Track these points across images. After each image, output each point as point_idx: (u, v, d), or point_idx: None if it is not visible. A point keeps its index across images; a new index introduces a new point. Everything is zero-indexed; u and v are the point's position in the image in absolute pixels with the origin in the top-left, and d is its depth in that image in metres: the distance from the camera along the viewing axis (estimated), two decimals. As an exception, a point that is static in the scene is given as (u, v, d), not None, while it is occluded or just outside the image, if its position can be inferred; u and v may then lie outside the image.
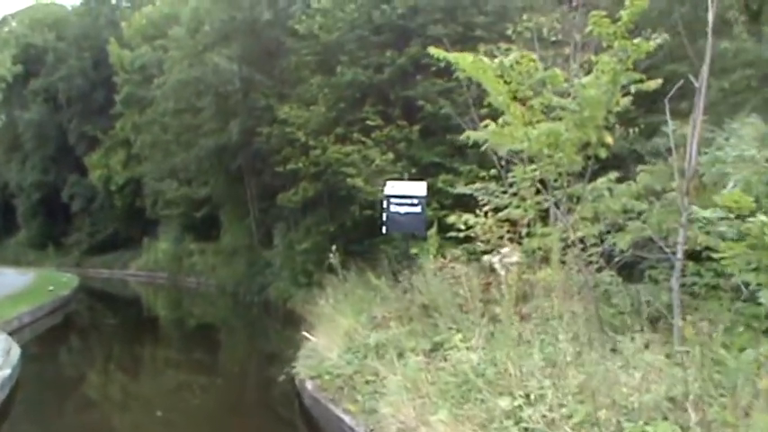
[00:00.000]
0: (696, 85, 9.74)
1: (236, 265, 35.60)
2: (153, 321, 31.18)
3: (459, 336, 9.90)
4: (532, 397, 7.38)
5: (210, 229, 42.74)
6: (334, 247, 16.32)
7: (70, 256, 59.19)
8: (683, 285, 10.45)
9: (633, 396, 6.68)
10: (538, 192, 13.94)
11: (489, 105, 12.30)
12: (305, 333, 15.47)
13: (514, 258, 11.29)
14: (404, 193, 15.61)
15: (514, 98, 11.79)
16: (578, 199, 11.98)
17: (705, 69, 9.67)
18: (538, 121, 11.71)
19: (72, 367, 19.73)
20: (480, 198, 14.65)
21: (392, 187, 15.68)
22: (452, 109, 21.29)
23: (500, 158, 14.58)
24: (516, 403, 7.35)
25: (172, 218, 46.67)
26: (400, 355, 10.15)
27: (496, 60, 11.40)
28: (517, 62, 11.49)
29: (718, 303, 11.23)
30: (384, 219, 15.75)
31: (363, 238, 23.37)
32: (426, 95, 21.65)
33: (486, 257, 12.02)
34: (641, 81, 10.84)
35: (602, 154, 11.65)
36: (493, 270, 11.99)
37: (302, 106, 23.89)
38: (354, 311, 14.81)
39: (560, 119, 11.28)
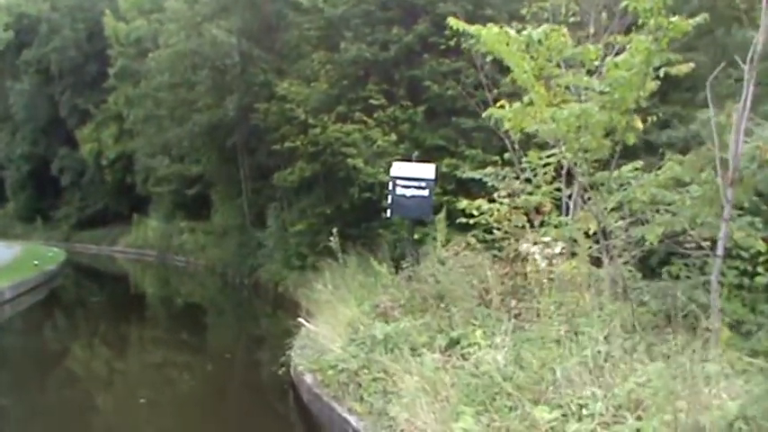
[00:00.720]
0: (746, 68, 8.81)
1: (227, 246, 34.64)
2: (140, 300, 30.12)
3: (480, 332, 8.92)
4: (574, 407, 6.38)
5: (201, 207, 41.83)
6: (334, 230, 15.32)
7: (58, 230, 58.00)
8: (703, 284, 9.64)
9: (700, 413, 5.65)
10: (553, 179, 13.14)
11: (503, 86, 11.44)
12: (301, 320, 14.45)
13: (558, 249, 10.26)
14: (411, 175, 14.63)
15: (538, 76, 10.91)
16: (599, 188, 11.02)
17: (756, 55, 8.70)
18: (563, 102, 10.86)
19: (49, 347, 18.63)
20: (490, 184, 13.78)
21: (398, 168, 14.69)
22: (459, 91, 20.36)
23: (512, 143, 13.59)
24: (555, 415, 6.35)
25: (162, 195, 45.74)
26: (412, 351, 9.18)
27: (524, 33, 10.44)
28: (546, 36, 10.56)
29: (741, 304, 10.38)
30: (389, 201, 14.77)
31: (360, 222, 22.49)
32: (433, 76, 20.66)
33: (524, 246, 10.99)
34: (671, 64, 10.02)
35: (631, 140, 10.82)
36: (516, 260, 11.00)
37: (302, 83, 22.85)
38: (355, 299, 13.81)
39: (586, 101, 10.45)
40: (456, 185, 20.24)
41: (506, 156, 14.70)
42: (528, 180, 13.22)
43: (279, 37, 26.07)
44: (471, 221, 13.42)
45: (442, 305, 11.19)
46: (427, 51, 20.87)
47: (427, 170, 14.66)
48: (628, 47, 9.83)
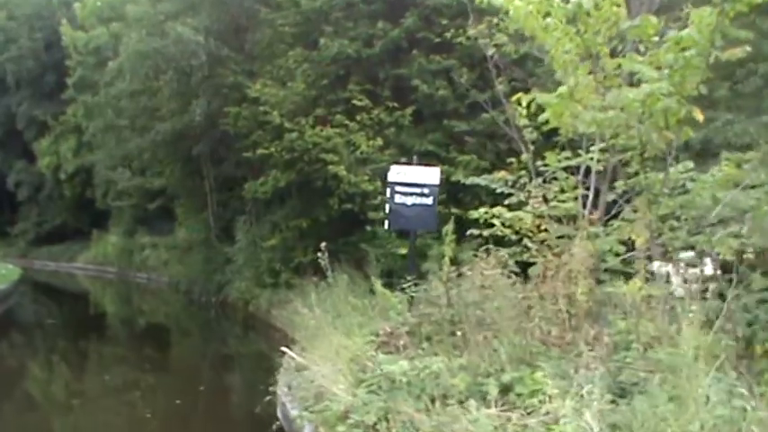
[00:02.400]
0: None
1: (192, 262, 32.56)
2: (99, 321, 27.72)
3: (540, 374, 6.69)
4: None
5: (164, 222, 39.92)
6: (323, 245, 13.02)
7: (15, 246, 55.24)
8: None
9: None
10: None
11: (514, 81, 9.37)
12: (286, 350, 12.14)
13: (710, 269, 7.98)
14: (412, 181, 12.40)
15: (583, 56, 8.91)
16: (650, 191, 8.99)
17: None
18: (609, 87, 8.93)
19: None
20: (499, 191, 11.77)
21: (397, 173, 12.46)
22: (451, 91, 18.32)
23: (526, 143, 11.84)
24: None
25: (123, 209, 43.96)
26: (444, 398, 6.96)
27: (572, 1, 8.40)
28: (596, 6, 8.52)
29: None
30: (387, 211, 12.52)
31: (339, 236, 20.29)
32: (421, 74, 18.45)
33: (656, 266, 8.73)
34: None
35: (688, 133, 8.80)
36: (558, 279, 8.78)
37: (276, 84, 20.56)
38: (350, 325, 11.57)
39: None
40: (447, 195, 18.17)
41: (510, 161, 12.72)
42: (543, 183, 11.17)
43: (249, 37, 23.76)
44: (485, 233, 11.37)
45: (454, 332, 9.04)
46: (415, 47, 18.67)
47: (430, 174, 12.46)
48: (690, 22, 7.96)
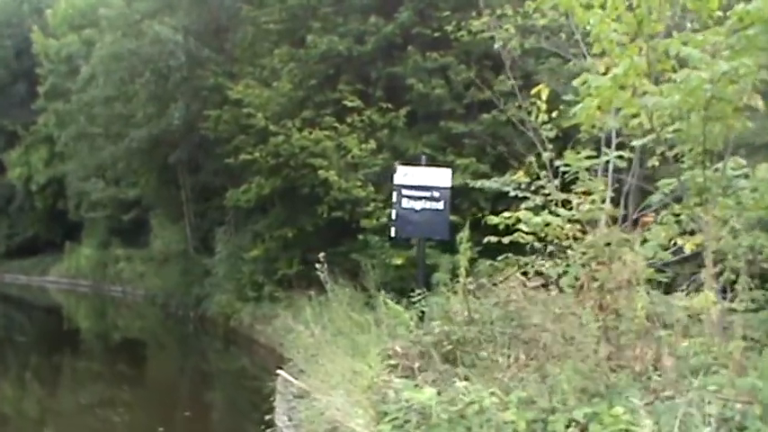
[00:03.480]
0: None
1: (168, 274, 31.03)
2: (73, 335, 26.46)
3: (619, 409, 5.34)
4: None
5: (139, 233, 38.56)
6: (321, 255, 11.64)
7: (-15, 260, 53.20)
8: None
9: None
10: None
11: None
12: (283, 373, 10.77)
13: None
14: (421, 183, 11.07)
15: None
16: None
17: None
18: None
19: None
20: (514, 194, 10.47)
21: (404, 174, 11.11)
22: (447, 91, 17.03)
23: (543, 141, 10.39)
24: None
25: (97, 221, 42.36)
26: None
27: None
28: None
29: None
30: (393, 217, 11.17)
31: (327, 246, 18.89)
32: (416, 73, 17.11)
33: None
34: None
35: (746, 124, 7.61)
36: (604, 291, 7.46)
37: (260, 85, 19.14)
38: (354, 344, 10.24)
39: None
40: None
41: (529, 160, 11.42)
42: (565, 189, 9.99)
43: (230, 37, 22.31)
44: (505, 240, 10.10)
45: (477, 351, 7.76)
46: (411, 44, 17.33)
47: (441, 176, 11.13)
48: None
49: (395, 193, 10.97)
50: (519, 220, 9.64)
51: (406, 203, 10.85)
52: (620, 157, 9.81)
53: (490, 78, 17.17)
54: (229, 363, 20.31)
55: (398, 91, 17.75)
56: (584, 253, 8.37)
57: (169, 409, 14.06)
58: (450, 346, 8.92)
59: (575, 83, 7.52)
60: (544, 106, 10.53)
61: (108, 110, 27.71)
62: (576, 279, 8.38)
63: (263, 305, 20.70)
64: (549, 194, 10.63)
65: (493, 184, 11.47)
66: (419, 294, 10.61)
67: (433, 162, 16.95)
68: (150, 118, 24.21)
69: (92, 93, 28.63)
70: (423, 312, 10.56)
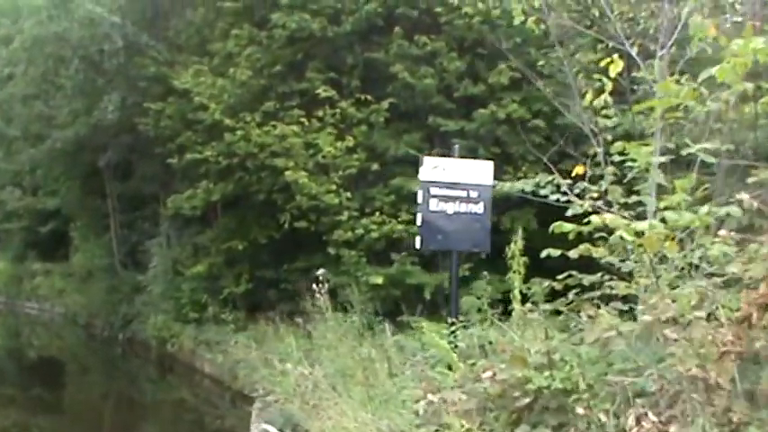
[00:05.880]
0: None
1: (92, 291, 27.94)
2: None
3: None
4: None
5: (59, 246, 35.32)
6: (320, 272, 8.71)
7: None
8: None
9: None
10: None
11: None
12: (270, 428, 7.81)
13: None
14: (454, 180, 8.23)
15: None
16: None
17: None
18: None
19: None
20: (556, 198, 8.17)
21: (433, 168, 8.25)
22: (437, 81, 14.33)
23: (596, 134, 8.77)
24: None
25: (12, 232, 39.06)
26: None
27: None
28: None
29: None
30: (418, 223, 8.28)
31: (284, 261, 16.13)
32: (400, 59, 14.25)
33: None
34: None
35: None
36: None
37: (211, 74, 16.03)
38: (368, 388, 7.43)
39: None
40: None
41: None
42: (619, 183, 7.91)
43: (172, 25, 19.09)
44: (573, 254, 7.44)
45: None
46: (394, 26, 14.43)
47: (480, 171, 8.27)
48: None
49: (420, 193, 8.09)
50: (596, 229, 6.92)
51: (434, 205, 8.00)
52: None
53: (481, 70, 14.53)
54: (166, 393, 17.46)
55: (377, 81, 14.87)
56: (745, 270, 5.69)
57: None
58: (526, 400, 6.25)
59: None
60: (610, 86, 8.07)
61: (27, 108, 24.11)
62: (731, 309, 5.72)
63: (206, 328, 17.76)
64: (597, 198, 8.19)
65: (524, 186, 8.87)
66: (454, 324, 7.77)
67: (416, 164, 14.32)
68: (77, 115, 20.70)
69: (9, 90, 25.05)
70: (456, 346, 7.78)
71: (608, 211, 8.38)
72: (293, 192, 14.36)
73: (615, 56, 8.06)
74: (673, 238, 6.75)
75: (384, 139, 14.53)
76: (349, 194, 14.23)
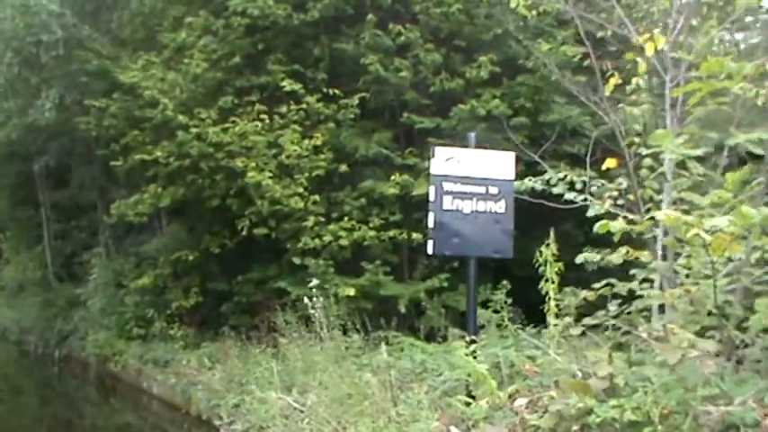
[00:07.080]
0: None
1: (24, 306, 26.30)
2: None
3: None
4: None
5: None
6: (313, 282, 7.34)
7: None
8: None
9: None
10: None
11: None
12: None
13: None
14: (471, 174, 6.97)
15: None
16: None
17: None
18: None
19: None
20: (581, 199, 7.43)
21: (447, 160, 6.97)
22: (412, 75, 13.15)
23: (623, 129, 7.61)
24: None
25: None
26: None
27: None
28: None
29: None
30: (430, 224, 6.97)
31: (237, 272, 14.75)
32: (373, 51, 12.91)
33: None
34: None
35: None
36: None
37: (161, 67, 14.49)
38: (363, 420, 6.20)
39: None
40: (404, 215, 13.03)
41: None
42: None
43: (115, 18, 17.44)
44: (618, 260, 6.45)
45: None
46: (366, 14, 13.06)
47: (501, 164, 6.98)
48: None
49: (432, 189, 6.79)
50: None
51: (449, 204, 6.71)
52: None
53: (458, 64, 13.33)
54: (109, 416, 15.79)
55: (346, 74, 13.51)
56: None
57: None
58: (585, 436, 5.07)
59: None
60: (644, 66, 7.10)
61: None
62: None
63: (153, 346, 16.23)
64: (617, 197, 7.48)
65: (534, 185, 7.92)
66: (473, 342, 6.50)
67: (389, 164, 13.10)
68: (9, 115, 18.89)
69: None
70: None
71: (629, 211, 7.39)
72: (251, 196, 12.97)
73: (656, 30, 7.07)
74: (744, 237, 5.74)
75: (353, 137, 13.18)
76: (316, 198, 12.84)
